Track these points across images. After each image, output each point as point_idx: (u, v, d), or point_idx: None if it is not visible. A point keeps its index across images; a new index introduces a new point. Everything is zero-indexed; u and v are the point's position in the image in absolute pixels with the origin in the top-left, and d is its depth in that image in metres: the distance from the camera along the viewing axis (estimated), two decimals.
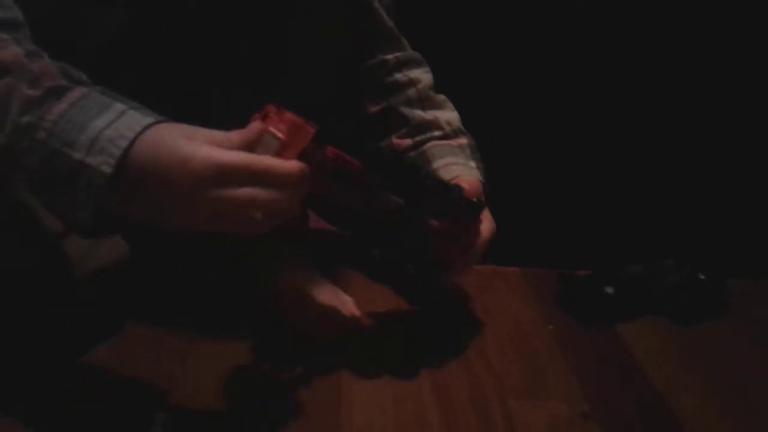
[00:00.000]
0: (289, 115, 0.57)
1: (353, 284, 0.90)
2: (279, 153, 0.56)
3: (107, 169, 0.52)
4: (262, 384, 0.71)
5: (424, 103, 0.92)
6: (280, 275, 0.80)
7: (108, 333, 0.76)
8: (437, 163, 0.86)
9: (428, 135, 0.90)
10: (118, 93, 0.57)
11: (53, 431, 0.63)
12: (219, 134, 0.54)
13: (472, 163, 0.87)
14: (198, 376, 0.72)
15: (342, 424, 0.66)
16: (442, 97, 0.94)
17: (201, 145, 0.52)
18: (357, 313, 0.77)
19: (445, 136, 0.90)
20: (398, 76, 0.92)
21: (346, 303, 0.78)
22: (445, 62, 0.92)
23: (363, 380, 0.74)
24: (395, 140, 0.92)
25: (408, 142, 0.90)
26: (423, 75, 0.94)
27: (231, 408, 0.68)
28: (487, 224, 0.78)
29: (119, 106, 0.55)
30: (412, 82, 0.92)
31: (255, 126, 0.56)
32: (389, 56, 0.92)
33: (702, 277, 0.90)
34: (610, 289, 0.87)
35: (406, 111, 0.91)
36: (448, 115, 0.92)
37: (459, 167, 0.85)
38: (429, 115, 0.91)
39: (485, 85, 1.04)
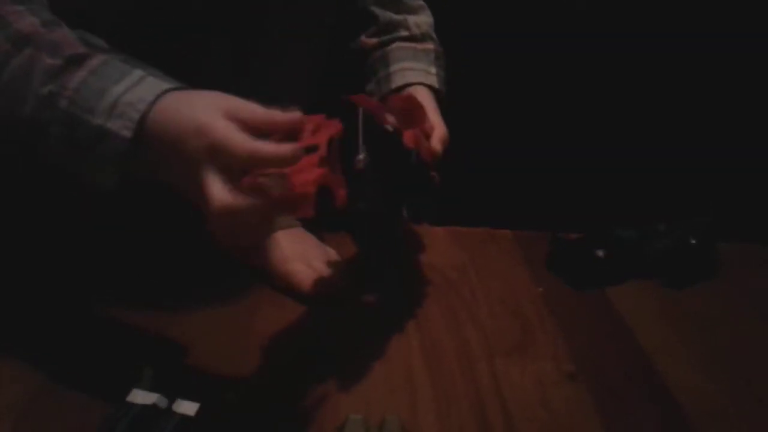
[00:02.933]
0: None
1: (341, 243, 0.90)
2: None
3: (127, 133, 0.52)
4: (250, 340, 0.71)
5: (399, 5, 0.92)
6: (275, 235, 0.80)
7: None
8: (394, 67, 0.87)
9: (394, 35, 0.90)
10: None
11: (46, 380, 0.64)
12: (244, 108, 0.53)
13: (433, 69, 0.87)
14: (190, 330, 0.72)
15: (328, 381, 0.66)
16: (420, 2, 0.94)
17: (218, 118, 0.51)
18: (343, 282, 0.79)
19: (412, 38, 0.89)
20: None
21: (337, 269, 0.78)
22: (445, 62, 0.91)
23: (350, 338, 0.74)
24: (363, 39, 0.92)
25: (374, 41, 0.90)
26: None
27: (221, 362, 0.68)
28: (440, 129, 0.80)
29: (138, 72, 0.55)
30: None
31: (289, 117, 0.55)
32: None
33: (693, 241, 0.90)
34: (600, 252, 0.87)
35: (377, 10, 0.91)
36: (420, 18, 0.92)
37: (415, 73, 0.86)
38: (399, 16, 0.91)
39: (485, 85, 1.03)
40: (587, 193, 0.98)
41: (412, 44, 0.89)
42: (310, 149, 0.59)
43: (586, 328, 0.80)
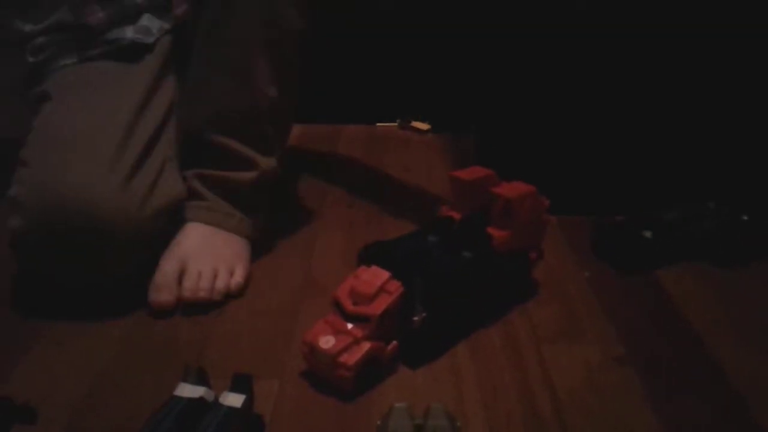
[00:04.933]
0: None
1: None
2: None
3: None
4: (294, 336, 0.72)
5: None
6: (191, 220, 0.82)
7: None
8: None
9: None
10: None
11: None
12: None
13: None
14: (235, 327, 0.74)
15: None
16: None
17: None
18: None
19: None
20: None
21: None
22: (445, 63, 0.89)
23: None
24: None
25: None
26: None
27: (266, 356, 0.69)
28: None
29: None
30: None
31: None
32: None
33: (745, 218, 0.87)
34: (648, 233, 0.85)
35: None
36: None
37: None
38: None
39: (486, 38, 1.01)
40: (630, 174, 0.96)
41: None
42: (362, 319, 0.63)
43: (634, 311, 0.79)
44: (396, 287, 0.65)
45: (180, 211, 0.81)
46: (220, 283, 0.78)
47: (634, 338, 0.73)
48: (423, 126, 1.38)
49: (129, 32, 0.83)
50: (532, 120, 0.97)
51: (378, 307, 0.64)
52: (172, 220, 0.80)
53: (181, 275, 0.77)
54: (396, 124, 1.40)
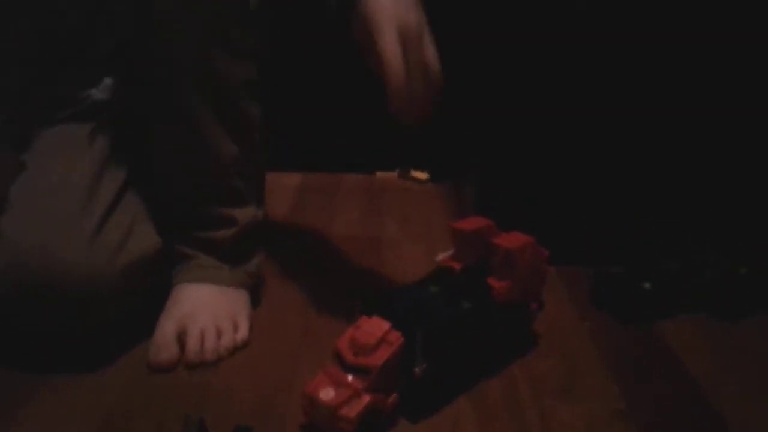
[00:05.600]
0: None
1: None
2: None
3: None
4: (290, 397, 0.72)
5: None
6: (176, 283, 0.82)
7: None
8: None
9: None
10: None
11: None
12: None
13: None
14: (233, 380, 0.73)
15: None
16: None
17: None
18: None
19: None
20: None
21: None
22: (444, 112, 0.90)
23: None
24: None
25: None
26: None
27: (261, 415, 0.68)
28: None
29: None
30: None
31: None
32: None
33: (743, 270, 0.88)
34: (647, 284, 0.86)
35: None
36: None
37: None
38: None
39: (485, 86, 1.03)
40: (628, 224, 0.97)
41: None
42: (363, 370, 0.63)
43: (635, 363, 0.78)
44: (397, 338, 0.65)
45: (167, 272, 0.82)
46: (226, 341, 0.78)
47: (636, 392, 0.73)
48: (422, 175, 1.40)
49: (95, 94, 0.83)
50: (531, 170, 0.98)
51: (379, 358, 0.63)
52: (149, 275, 0.79)
53: (181, 335, 0.76)
54: (395, 173, 1.42)
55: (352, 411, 0.62)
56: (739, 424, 0.68)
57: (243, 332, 0.80)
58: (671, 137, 0.95)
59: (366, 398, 0.62)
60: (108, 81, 0.84)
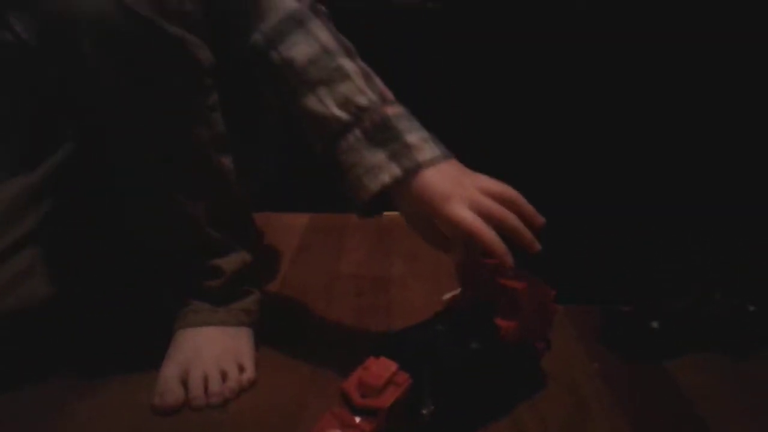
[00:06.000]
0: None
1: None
2: None
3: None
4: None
5: (312, 88, 0.73)
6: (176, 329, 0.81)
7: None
8: (353, 176, 0.74)
9: (331, 134, 0.74)
10: None
11: None
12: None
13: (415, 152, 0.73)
14: None
15: None
16: (334, 64, 0.74)
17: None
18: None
19: (356, 123, 0.73)
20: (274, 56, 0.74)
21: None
22: (444, 65, 0.91)
23: None
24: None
25: (318, 145, 0.76)
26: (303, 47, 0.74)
27: None
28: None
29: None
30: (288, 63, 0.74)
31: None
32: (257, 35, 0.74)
33: (751, 308, 0.87)
34: (655, 324, 0.85)
35: (295, 106, 0.75)
36: (342, 92, 0.73)
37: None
38: (321, 106, 0.73)
39: (486, 87, 1.03)
40: (636, 263, 0.97)
41: (362, 131, 0.73)
42: (370, 412, 0.63)
43: (646, 403, 0.78)
44: (404, 379, 0.65)
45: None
46: (232, 383, 0.77)
47: None
48: None
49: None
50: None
51: (386, 399, 0.63)
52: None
53: (184, 380, 0.76)
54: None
55: None
56: None
57: (249, 373, 0.79)
58: (678, 176, 0.96)
59: None
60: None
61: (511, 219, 0.71)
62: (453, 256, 0.77)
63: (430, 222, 0.74)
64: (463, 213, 0.70)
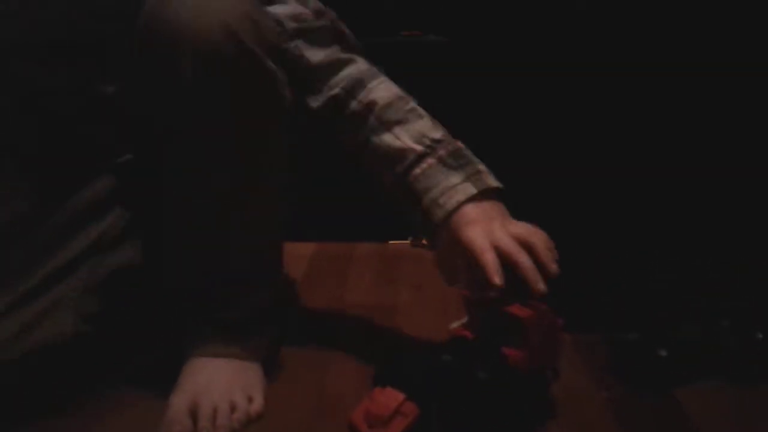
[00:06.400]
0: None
1: None
2: None
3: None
4: None
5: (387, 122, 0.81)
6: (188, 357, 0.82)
7: None
8: (428, 199, 0.78)
9: (405, 164, 0.80)
10: None
11: None
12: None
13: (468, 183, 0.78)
14: None
15: None
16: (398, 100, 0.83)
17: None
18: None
19: (430, 153, 0.80)
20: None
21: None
22: (444, 65, 0.91)
23: None
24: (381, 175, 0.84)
25: (389, 178, 0.82)
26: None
27: None
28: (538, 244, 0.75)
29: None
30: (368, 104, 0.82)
31: None
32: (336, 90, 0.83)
33: (760, 336, 0.87)
34: (663, 352, 0.85)
35: (372, 144, 0.81)
36: (417, 129, 0.81)
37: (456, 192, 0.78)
38: (395, 140, 0.80)
39: (486, 88, 1.04)
40: (643, 291, 0.97)
41: (427, 162, 0.79)
42: None
43: None
44: (412, 409, 0.64)
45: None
46: (239, 414, 0.77)
47: None
48: None
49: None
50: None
51: (394, 430, 0.63)
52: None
53: (193, 410, 0.76)
54: (408, 241, 1.43)
55: None
56: None
57: (257, 405, 0.79)
58: (684, 204, 0.96)
59: None
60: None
61: (522, 257, 0.73)
62: (459, 286, 0.78)
63: (454, 251, 0.77)
64: (479, 238, 0.73)
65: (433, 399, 0.66)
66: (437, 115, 0.83)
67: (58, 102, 0.80)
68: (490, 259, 0.72)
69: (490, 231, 0.74)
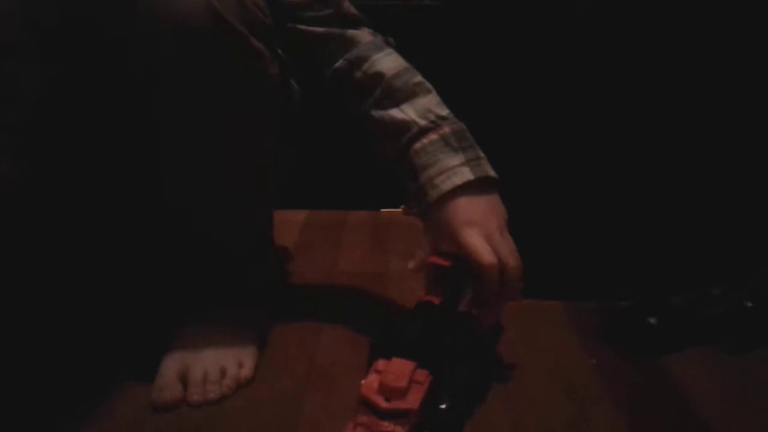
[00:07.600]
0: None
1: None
2: None
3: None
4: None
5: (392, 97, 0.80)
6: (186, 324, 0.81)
7: None
8: (425, 177, 0.78)
9: (407, 136, 0.79)
10: None
11: None
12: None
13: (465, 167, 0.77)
14: None
15: None
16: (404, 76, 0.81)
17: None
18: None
19: (434, 129, 0.78)
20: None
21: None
22: (444, 66, 0.91)
23: None
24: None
25: (390, 149, 0.81)
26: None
27: None
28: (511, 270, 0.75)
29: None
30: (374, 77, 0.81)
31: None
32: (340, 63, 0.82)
33: (749, 304, 0.87)
34: (653, 320, 0.85)
35: (377, 114, 0.81)
36: (423, 103, 0.80)
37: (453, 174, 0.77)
38: (400, 112, 0.79)
39: (486, 89, 1.03)
40: (636, 259, 0.96)
41: (428, 138, 0.78)
42: (400, 414, 0.62)
43: (643, 399, 0.78)
44: (425, 376, 0.64)
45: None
46: (229, 379, 0.77)
47: (643, 428, 0.72)
48: None
49: None
50: (537, 205, 0.99)
51: (415, 400, 0.62)
52: None
53: (184, 375, 0.76)
54: (400, 209, 1.42)
55: None
56: None
57: (246, 370, 0.79)
58: (679, 173, 0.95)
59: None
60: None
61: (514, 273, 0.74)
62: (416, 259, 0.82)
63: (442, 236, 0.78)
64: (485, 254, 0.73)
65: (446, 366, 0.66)
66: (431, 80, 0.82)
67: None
68: (494, 280, 0.73)
69: (489, 235, 0.75)
